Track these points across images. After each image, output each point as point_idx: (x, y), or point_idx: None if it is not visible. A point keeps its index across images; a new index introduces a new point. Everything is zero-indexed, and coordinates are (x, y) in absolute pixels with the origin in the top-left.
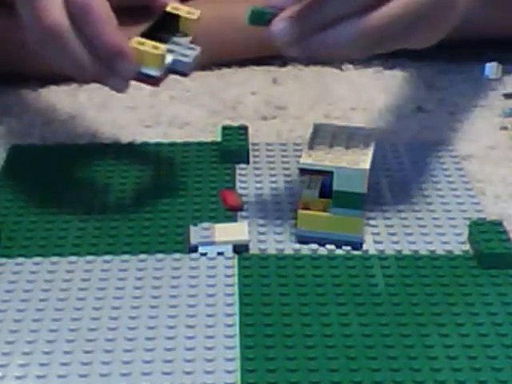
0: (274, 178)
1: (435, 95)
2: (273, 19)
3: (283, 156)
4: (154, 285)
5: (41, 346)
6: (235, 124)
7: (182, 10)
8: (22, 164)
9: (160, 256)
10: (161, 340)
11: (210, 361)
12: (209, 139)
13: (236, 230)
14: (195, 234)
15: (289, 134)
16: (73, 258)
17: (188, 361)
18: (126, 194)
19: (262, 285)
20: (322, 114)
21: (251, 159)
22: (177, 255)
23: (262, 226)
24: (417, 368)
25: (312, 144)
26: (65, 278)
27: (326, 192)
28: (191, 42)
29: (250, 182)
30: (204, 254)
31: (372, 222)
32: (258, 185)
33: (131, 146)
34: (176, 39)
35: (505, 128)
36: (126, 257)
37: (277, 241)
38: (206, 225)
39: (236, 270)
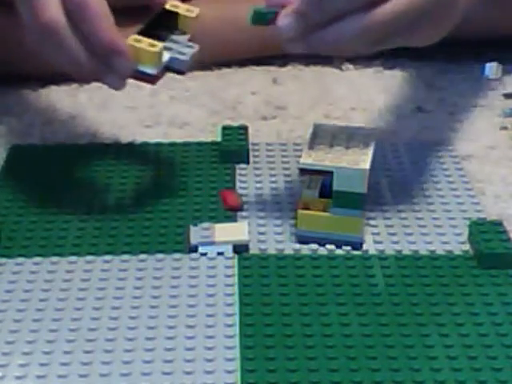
0: (273, 178)
1: (435, 95)
2: (274, 19)
3: (283, 156)
4: (154, 285)
5: (41, 346)
6: (235, 124)
7: (181, 8)
8: (22, 164)
9: (160, 256)
10: (161, 340)
11: (209, 361)
12: (209, 139)
13: (236, 230)
14: (195, 234)
15: (289, 133)
16: (73, 258)
17: (188, 361)
18: (125, 193)
19: (261, 285)
20: (322, 114)
21: (251, 159)
22: (177, 255)
23: (262, 226)
24: (417, 368)
25: (312, 144)
26: (65, 278)
27: (326, 192)
28: (189, 40)
29: (250, 181)
30: (204, 254)
31: (372, 222)
32: (258, 185)
33: (131, 145)
34: (174, 37)
35: (505, 128)
36: (126, 257)
37: (277, 241)
38: (205, 225)
39: (236, 270)
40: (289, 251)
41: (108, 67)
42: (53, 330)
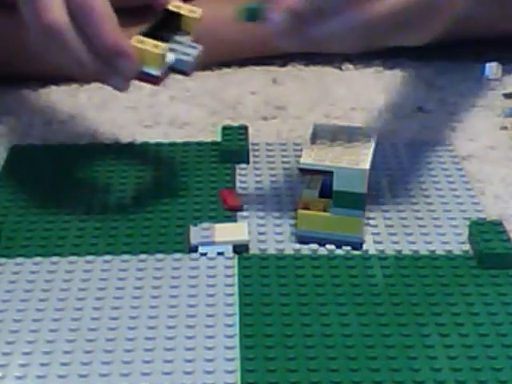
0: (274, 178)
1: (435, 95)
2: (266, 14)
3: (283, 156)
4: (154, 285)
5: (41, 346)
6: (235, 124)
7: (184, 9)
8: (22, 164)
9: (160, 256)
10: (161, 340)
11: (209, 361)
12: (209, 139)
13: (236, 230)
14: (195, 233)
15: (289, 133)
16: (73, 258)
17: (188, 361)
18: (125, 193)
19: (262, 285)
20: (322, 113)
21: (251, 159)
22: (177, 255)
23: (262, 225)
24: (417, 368)
25: (312, 144)
26: (65, 278)
27: (326, 192)
28: (193, 41)
29: (250, 182)
30: (204, 254)
31: (372, 222)
32: (258, 185)
33: (131, 145)
34: (177, 38)
35: (505, 128)
36: (126, 257)
37: (277, 241)
38: (205, 225)
39: (236, 270)
40: (289, 251)
41: (112, 68)
42: (53, 329)
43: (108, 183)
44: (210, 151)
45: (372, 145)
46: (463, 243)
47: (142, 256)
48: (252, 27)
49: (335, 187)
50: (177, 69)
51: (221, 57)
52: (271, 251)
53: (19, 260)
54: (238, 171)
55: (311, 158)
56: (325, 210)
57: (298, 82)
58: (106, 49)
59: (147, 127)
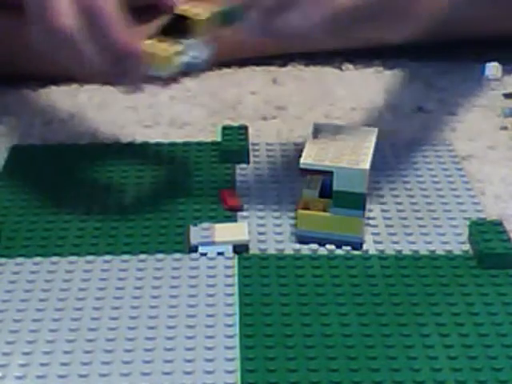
0: (274, 178)
1: (435, 95)
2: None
3: (283, 156)
4: (154, 285)
5: (41, 346)
6: (235, 124)
7: (190, 12)
8: (22, 164)
9: (160, 256)
10: (161, 340)
11: (209, 361)
12: (209, 139)
13: (236, 230)
14: (195, 233)
15: (289, 133)
16: (73, 258)
17: (188, 361)
18: (126, 193)
19: (262, 285)
20: (322, 113)
21: (251, 159)
22: (177, 255)
23: (262, 225)
24: (417, 368)
25: (312, 144)
26: (65, 278)
27: (326, 192)
28: (202, 43)
29: (250, 182)
30: (204, 254)
31: (372, 222)
32: (258, 185)
33: (131, 145)
34: (187, 41)
35: (505, 128)
36: (126, 257)
37: (277, 241)
38: (205, 225)
39: (236, 270)
40: (289, 251)
41: (121, 69)
42: (53, 329)
43: (108, 183)
44: (210, 151)
45: (372, 145)
46: (463, 243)
47: (142, 256)
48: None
49: (335, 187)
50: (189, 70)
51: (221, 57)
52: (271, 251)
53: (19, 260)
54: (237, 171)
55: (311, 157)
56: (325, 210)
57: (298, 82)
58: (115, 49)
59: (147, 127)
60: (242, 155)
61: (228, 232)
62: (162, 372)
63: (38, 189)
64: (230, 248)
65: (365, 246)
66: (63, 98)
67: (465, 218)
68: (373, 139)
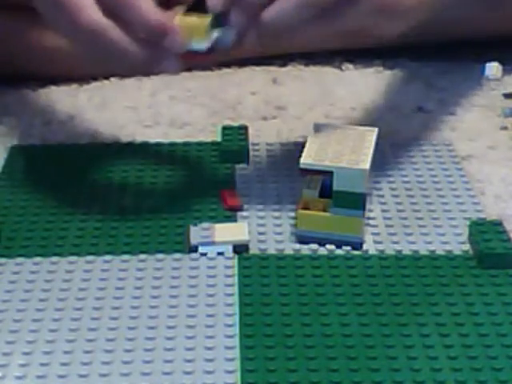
0: (274, 178)
1: (435, 95)
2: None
3: (283, 156)
4: (154, 285)
5: (41, 346)
6: (235, 124)
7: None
8: (22, 164)
9: (160, 256)
10: (161, 340)
11: (209, 361)
12: (209, 139)
13: (236, 230)
14: (195, 233)
15: (289, 133)
16: (73, 258)
17: (188, 361)
18: (125, 193)
19: (262, 285)
20: (322, 113)
21: (251, 159)
22: (177, 255)
23: (262, 225)
24: (417, 368)
25: (312, 144)
26: (65, 278)
27: (326, 192)
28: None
29: (250, 182)
30: (204, 254)
31: (372, 222)
32: (258, 185)
33: (131, 145)
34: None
35: (505, 128)
36: (126, 257)
37: (277, 241)
38: (205, 225)
39: (236, 270)
40: (289, 251)
41: (160, 51)
42: (53, 329)
43: (108, 183)
44: (210, 151)
45: (372, 145)
46: (463, 243)
47: (142, 256)
48: None
49: (335, 187)
50: (221, 44)
51: (221, 57)
52: (271, 251)
53: (19, 260)
54: (237, 171)
55: (311, 157)
56: (325, 210)
57: (298, 82)
58: (150, 30)
59: (147, 127)
60: (242, 155)
61: (228, 232)
62: (162, 372)
63: (37, 189)
64: (230, 248)
65: (365, 246)
66: (63, 98)
67: (465, 218)
68: (373, 139)
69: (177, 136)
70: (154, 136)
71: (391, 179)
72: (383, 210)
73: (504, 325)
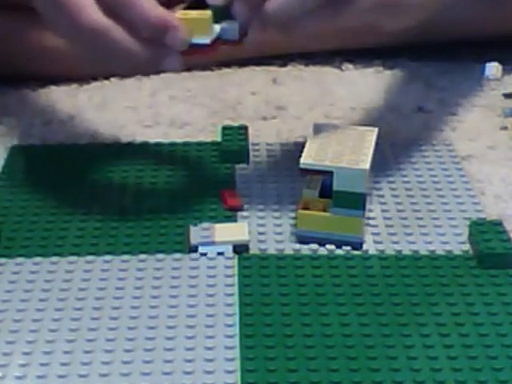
0: (274, 178)
1: (435, 95)
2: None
3: (283, 156)
4: (154, 285)
5: (41, 346)
6: (235, 124)
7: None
8: (22, 164)
9: (160, 256)
10: (161, 340)
11: (209, 361)
12: (209, 139)
13: (236, 230)
14: (195, 233)
15: (289, 133)
16: (73, 258)
17: (188, 361)
18: (125, 193)
19: (262, 285)
20: (322, 113)
21: (251, 159)
22: (177, 255)
23: (262, 225)
24: (417, 368)
25: (312, 144)
26: (65, 278)
27: (326, 192)
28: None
29: (250, 182)
30: (204, 254)
31: (372, 222)
32: (258, 185)
33: (131, 145)
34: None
35: (505, 128)
36: (126, 257)
37: (277, 241)
38: (205, 225)
39: (236, 270)
40: (289, 251)
41: (163, 49)
42: (53, 329)
43: (108, 183)
44: (210, 151)
45: (372, 145)
46: (463, 243)
47: (142, 256)
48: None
49: (335, 187)
50: (225, 38)
51: (221, 57)
52: (271, 251)
53: (19, 260)
54: (237, 171)
55: (311, 157)
56: (325, 210)
57: (298, 82)
58: (151, 27)
59: (147, 127)
60: (242, 155)
61: (228, 232)
62: (162, 372)
63: (37, 189)
64: (230, 248)
65: (365, 246)
66: (63, 98)
67: (465, 218)
68: (373, 139)
69: (177, 136)
70: (153, 136)
71: (391, 179)
72: (383, 210)
73: (504, 325)
